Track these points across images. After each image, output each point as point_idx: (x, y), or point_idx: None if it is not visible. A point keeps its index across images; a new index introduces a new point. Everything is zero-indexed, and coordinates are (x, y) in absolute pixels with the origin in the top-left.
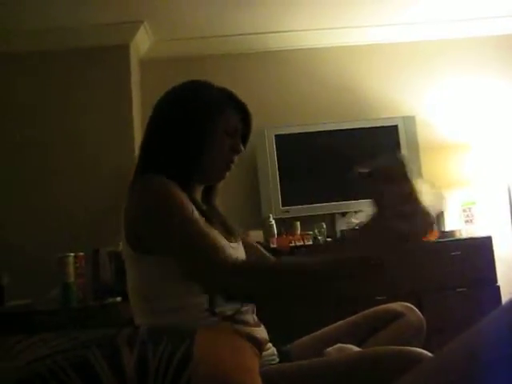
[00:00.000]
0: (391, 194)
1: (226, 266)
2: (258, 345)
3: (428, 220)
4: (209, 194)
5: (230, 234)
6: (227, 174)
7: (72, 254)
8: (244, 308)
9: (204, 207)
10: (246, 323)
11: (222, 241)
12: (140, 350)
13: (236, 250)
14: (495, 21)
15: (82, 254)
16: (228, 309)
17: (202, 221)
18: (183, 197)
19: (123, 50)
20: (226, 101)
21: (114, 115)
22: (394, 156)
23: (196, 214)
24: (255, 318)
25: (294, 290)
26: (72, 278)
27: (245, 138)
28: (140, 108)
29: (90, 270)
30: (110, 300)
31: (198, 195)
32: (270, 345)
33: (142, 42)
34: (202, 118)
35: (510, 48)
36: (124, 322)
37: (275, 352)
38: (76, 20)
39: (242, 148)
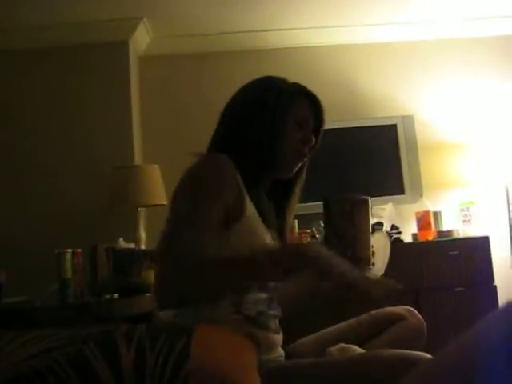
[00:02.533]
0: (342, 227)
1: (184, 260)
2: (257, 344)
3: (365, 255)
4: (285, 193)
5: (280, 241)
6: (297, 166)
7: (70, 250)
8: (269, 312)
9: (266, 205)
10: (266, 327)
11: (267, 238)
12: (138, 347)
13: None
14: (494, 21)
15: (79, 250)
16: (252, 309)
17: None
18: (229, 182)
19: (122, 47)
20: (298, 92)
21: (113, 112)
22: (359, 196)
23: (222, 204)
24: (277, 323)
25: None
26: (69, 274)
27: (318, 133)
28: (139, 105)
29: (87, 266)
30: (108, 296)
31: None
32: (279, 348)
33: (142, 39)
34: (273, 106)
35: (510, 48)
36: (121, 318)
37: (283, 354)
38: (74, 16)
39: (314, 140)
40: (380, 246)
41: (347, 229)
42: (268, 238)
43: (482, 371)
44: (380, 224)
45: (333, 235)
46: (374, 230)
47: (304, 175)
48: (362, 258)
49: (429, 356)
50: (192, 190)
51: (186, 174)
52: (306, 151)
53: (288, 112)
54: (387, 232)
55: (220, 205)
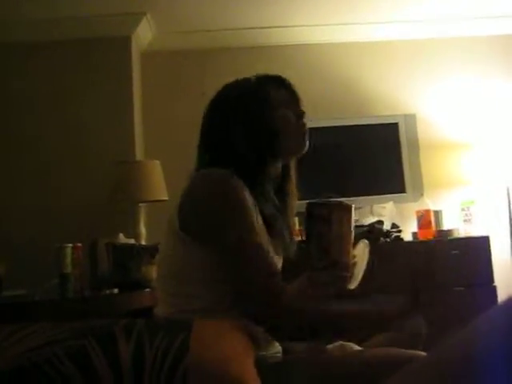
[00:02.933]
0: (319, 230)
1: (276, 299)
2: (255, 339)
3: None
4: (284, 176)
5: (283, 246)
6: (306, 140)
7: (70, 245)
8: None
9: (271, 210)
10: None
11: (271, 253)
12: (137, 341)
13: (278, 263)
14: (497, 20)
15: (79, 244)
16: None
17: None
18: (246, 197)
19: (125, 42)
20: (268, 81)
21: (115, 107)
22: (340, 202)
23: (256, 217)
24: None
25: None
26: (69, 269)
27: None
28: (141, 101)
29: (87, 261)
30: (107, 291)
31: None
32: (277, 344)
33: (144, 35)
34: (256, 101)
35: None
36: (121, 313)
37: (280, 350)
38: (77, 10)
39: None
40: (360, 257)
41: (323, 233)
42: (271, 250)
43: (482, 366)
44: (380, 222)
45: (310, 238)
46: (357, 240)
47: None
48: (338, 263)
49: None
50: (229, 216)
51: (204, 192)
52: (304, 122)
53: (270, 100)
54: (387, 230)
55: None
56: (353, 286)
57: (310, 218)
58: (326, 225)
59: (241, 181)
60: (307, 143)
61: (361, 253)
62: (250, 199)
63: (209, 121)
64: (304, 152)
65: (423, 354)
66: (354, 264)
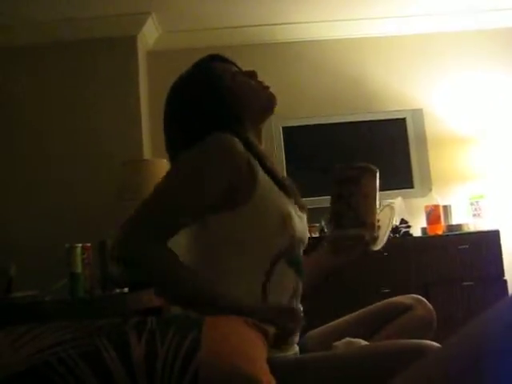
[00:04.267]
0: (348, 190)
1: (143, 247)
2: (266, 336)
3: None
4: None
5: (297, 203)
6: (271, 95)
7: (79, 245)
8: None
9: (277, 170)
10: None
11: (290, 207)
12: (148, 339)
13: (301, 221)
14: (505, 13)
15: (89, 244)
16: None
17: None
18: (230, 167)
19: (131, 42)
20: (209, 59)
21: (122, 107)
22: (368, 165)
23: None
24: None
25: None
26: (79, 269)
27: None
28: (148, 100)
29: (97, 260)
30: (117, 291)
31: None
32: (295, 345)
33: (150, 34)
34: (208, 83)
35: None
36: (131, 312)
37: (298, 351)
38: (83, 11)
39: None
40: (385, 220)
41: (352, 193)
42: (289, 203)
43: (492, 358)
44: None
45: (338, 198)
46: (382, 205)
47: None
48: (366, 222)
49: (436, 344)
50: (182, 173)
51: (194, 148)
52: (259, 81)
53: (224, 77)
54: (396, 226)
55: (200, 195)
56: (377, 247)
57: (340, 180)
58: (356, 186)
59: (242, 147)
60: (274, 99)
61: (385, 217)
62: (247, 159)
63: (177, 109)
64: (276, 104)
65: (432, 343)
66: (379, 227)
